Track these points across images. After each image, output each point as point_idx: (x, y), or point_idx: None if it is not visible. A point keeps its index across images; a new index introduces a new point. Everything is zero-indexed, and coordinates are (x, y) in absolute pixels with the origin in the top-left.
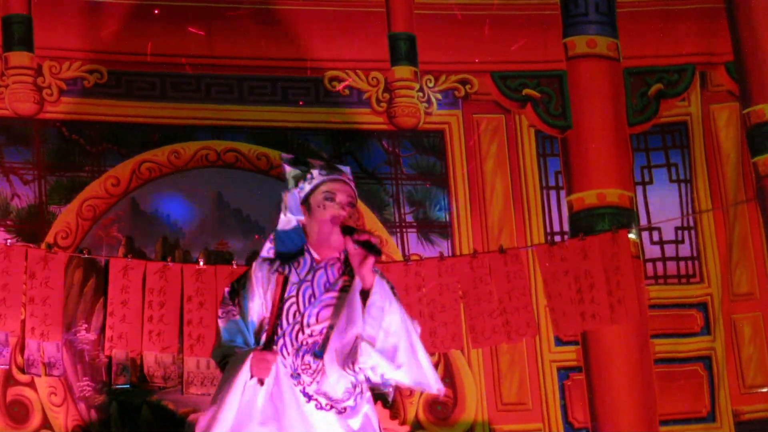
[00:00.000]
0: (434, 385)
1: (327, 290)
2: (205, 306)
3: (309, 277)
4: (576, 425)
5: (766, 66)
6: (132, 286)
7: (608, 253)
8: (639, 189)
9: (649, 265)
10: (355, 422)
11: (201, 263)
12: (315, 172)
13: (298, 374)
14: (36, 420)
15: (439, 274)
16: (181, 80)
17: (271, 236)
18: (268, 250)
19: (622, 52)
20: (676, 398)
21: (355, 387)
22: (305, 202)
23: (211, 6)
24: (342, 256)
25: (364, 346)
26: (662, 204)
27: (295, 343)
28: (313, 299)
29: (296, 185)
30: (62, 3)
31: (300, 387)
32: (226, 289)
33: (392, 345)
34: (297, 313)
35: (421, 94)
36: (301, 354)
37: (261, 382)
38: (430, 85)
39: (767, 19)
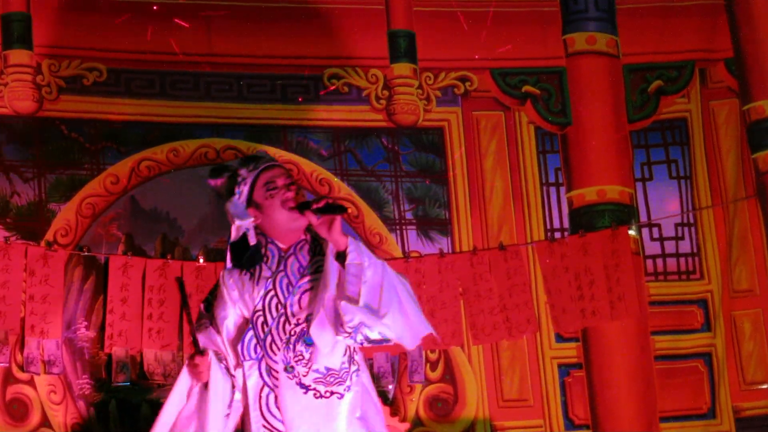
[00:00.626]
0: (413, 340)
1: (302, 275)
2: None
3: (281, 267)
4: (576, 422)
5: (766, 63)
6: (132, 284)
7: (608, 249)
8: (639, 186)
9: (649, 262)
10: (357, 402)
11: (201, 260)
12: (243, 171)
13: (292, 366)
14: (35, 418)
15: (439, 271)
16: (180, 78)
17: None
18: (230, 261)
19: (622, 48)
20: (677, 395)
21: (351, 363)
22: (250, 203)
23: (210, 3)
24: (308, 237)
25: (343, 306)
26: (662, 200)
27: (283, 335)
28: (291, 287)
29: (233, 193)
30: (61, 1)
31: (295, 379)
32: (202, 304)
33: (376, 297)
34: (279, 305)
35: (420, 91)
36: (291, 345)
37: (204, 385)
38: (430, 82)
39: (767, 16)
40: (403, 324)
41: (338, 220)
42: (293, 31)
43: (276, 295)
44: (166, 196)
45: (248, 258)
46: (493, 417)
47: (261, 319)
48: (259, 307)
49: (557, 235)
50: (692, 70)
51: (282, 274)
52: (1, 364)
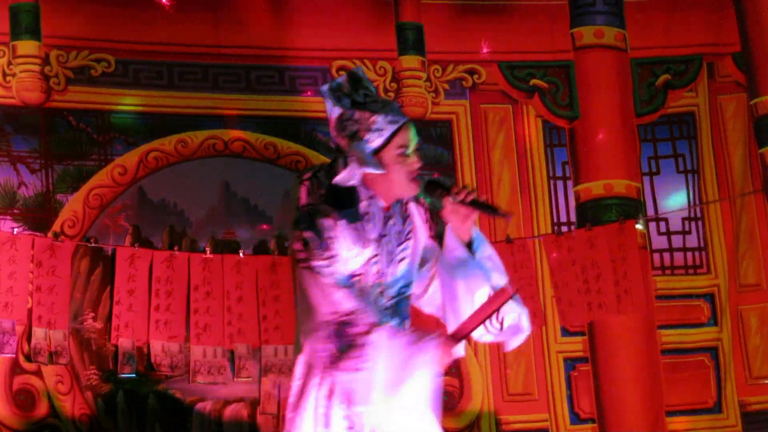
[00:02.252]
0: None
1: (399, 242)
2: (211, 295)
3: (385, 231)
4: (582, 416)
5: None
6: (139, 275)
7: (615, 243)
8: (646, 179)
9: (656, 256)
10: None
11: (208, 252)
12: (380, 120)
13: None
14: (42, 408)
15: None
16: (188, 69)
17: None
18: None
19: (630, 42)
20: (683, 389)
21: None
22: (375, 154)
23: None
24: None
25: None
26: (669, 195)
27: (375, 308)
28: (390, 256)
29: (358, 137)
30: None
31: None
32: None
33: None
34: (379, 273)
35: (428, 83)
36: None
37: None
38: (438, 75)
39: None
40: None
41: (475, 214)
42: (302, 22)
43: (378, 262)
44: (174, 188)
45: (347, 204)
46: (499, 411)
47: (358, 284)
48: (360, 271)
49: (564, 228)
50: (700, 64)
51: (387, 238)
52: (9, 355)
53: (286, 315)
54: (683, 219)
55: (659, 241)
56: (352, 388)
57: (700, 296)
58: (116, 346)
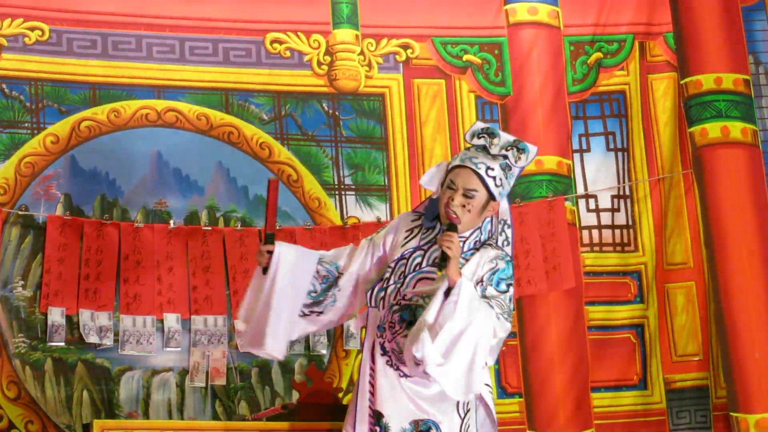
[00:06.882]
0: (457, 394)
1: (433, 264)
2: (142, 265)
3: (426, 246)
4: (509, 390)
5: (704, 37)
6: (69, 244)
7: (544, 219)
8: (576, 156)
9: (585, 233)
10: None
11: (139, 222)
12: (461, 154)
13: (384, 328)
14: None
15: None
16: (122, 39)
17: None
18: (422, 205)
19: (563, 20)
20: (608, 365)
21: None
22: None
23: None
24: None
25: (423, 336)
26: (599, 172)
27: (391, 299)
28: (418, 267)
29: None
30: None
31: (381, 340)
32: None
33: (443, 347)
34: (402, 275)
35: (362, 57)
36: (391, 311)
37: (263, 269)
38: (371, 48)
39: None
40: (455, 381)
41: (454, 261)
42: None
43: (405, 265)
44: (106, 157)
45: (428, 217)
46: None
47: (387, 275)
48: (392, 265)
49: None
50: (632, 44)
51: (421, 252)
52: None
53: (217, 286)
54: (612, 197)
55: (588, 218)
56: None
57: (628, 273)
58: (45, 315)
